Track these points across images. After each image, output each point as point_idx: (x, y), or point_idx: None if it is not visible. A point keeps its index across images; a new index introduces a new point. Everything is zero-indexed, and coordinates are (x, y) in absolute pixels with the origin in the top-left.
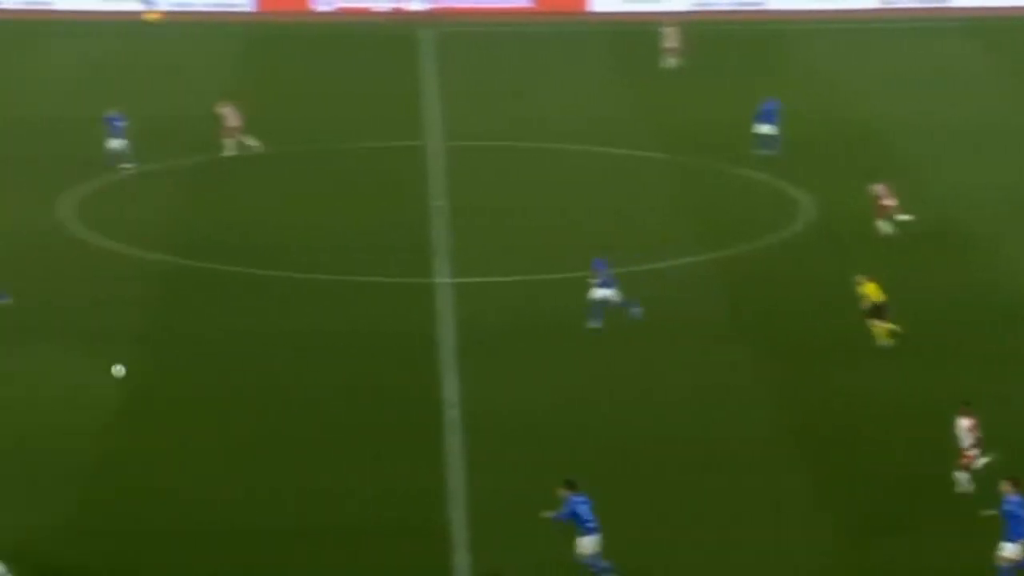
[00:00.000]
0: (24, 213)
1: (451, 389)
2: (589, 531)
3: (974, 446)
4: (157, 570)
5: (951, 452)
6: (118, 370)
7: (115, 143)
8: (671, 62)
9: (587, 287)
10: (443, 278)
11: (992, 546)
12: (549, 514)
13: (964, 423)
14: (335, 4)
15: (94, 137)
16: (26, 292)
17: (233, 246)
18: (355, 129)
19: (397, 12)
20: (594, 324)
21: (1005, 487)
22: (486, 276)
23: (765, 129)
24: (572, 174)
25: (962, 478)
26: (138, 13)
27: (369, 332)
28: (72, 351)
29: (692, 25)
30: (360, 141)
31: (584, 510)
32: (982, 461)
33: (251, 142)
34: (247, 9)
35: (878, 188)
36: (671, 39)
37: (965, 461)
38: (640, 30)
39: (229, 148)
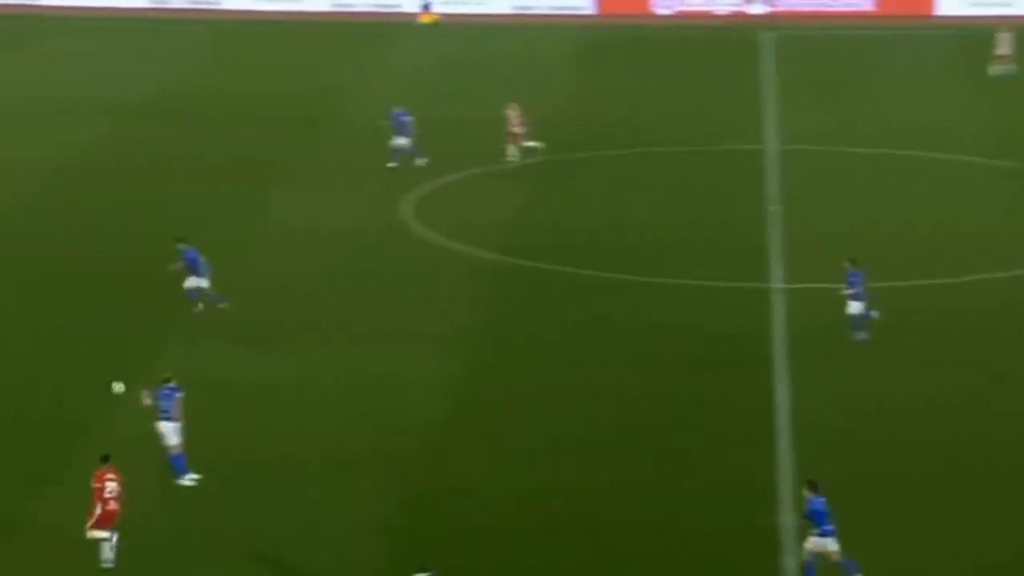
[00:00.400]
0: (368, 213)
1: (783, 393)
2: (825, 534)
3: None
4: (477, 569)
5: None
6: (118, 387)
7: (400, 141)
8: (999, 69)
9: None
10: (777, 283)
11: None
12: (802, 518)
13: None
14: (675, 7)
15: (438, 137)
16: (364, 291)
17: (568, 247)
18: (692, 132)
19: (737, 15)
20: (861, 336)
21: None
22: (820, 282)
23: None
24: (908, 179)
25: None
26: (474, 16)
27: (703, 335)
28: (406, 349)
29: None
30: (697, 144)
31: (822, 512)
32: None
33: (516, 152)
34: (588, 12)
35: None
36: (1004, 45)
37: None
38: (986, 34)
39: (511, 153)
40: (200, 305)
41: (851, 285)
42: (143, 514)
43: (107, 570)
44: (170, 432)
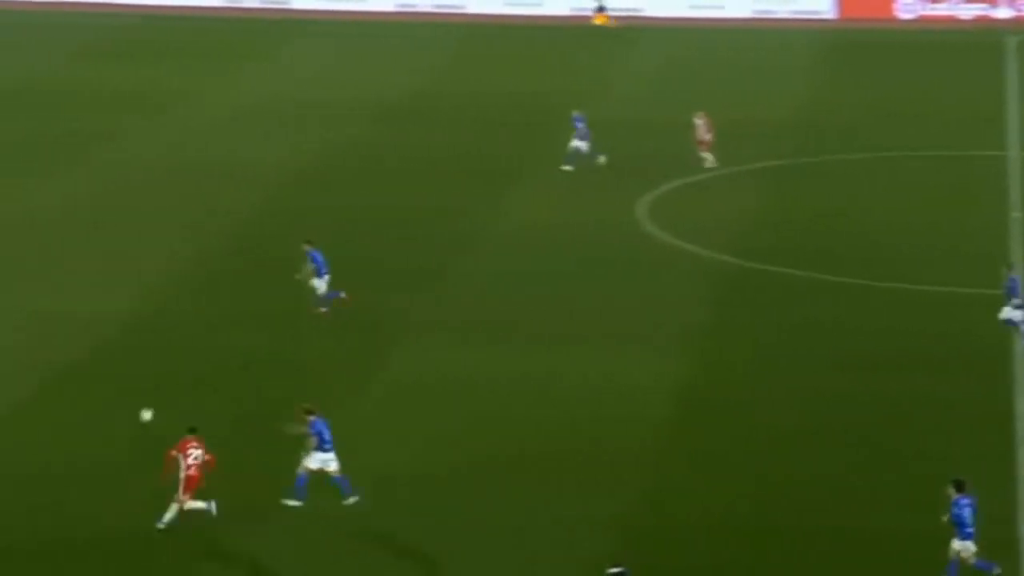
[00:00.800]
0: (605, 211)
1: (1021, 402)
2: (966, 536)
3: None
4: (700, 570)
5: None
6: (145, 415)
7: (576, 144)
8: None
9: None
10: None
11: None
12: (944, 518)
13: None
14: (918, 12)
15: (676, 140)
16: (596, 289)
17: (798, 251)
18: (934, 137)
19: (982, 19)
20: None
21: None
22: None
23: None
24: None
25: None
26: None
27: (937, 339)
28: (634, 346)
29: None
30: (938, 149)
31: (966, 513)
32: None
33: (709, 159)
34: (828, 16)
35: None
36: None
37: None
38: None
39: (708, 161)
40: (324, 309)
41: (1010, 291)
42: (377, 504)
43: (161, 531)
44: (331, 460)
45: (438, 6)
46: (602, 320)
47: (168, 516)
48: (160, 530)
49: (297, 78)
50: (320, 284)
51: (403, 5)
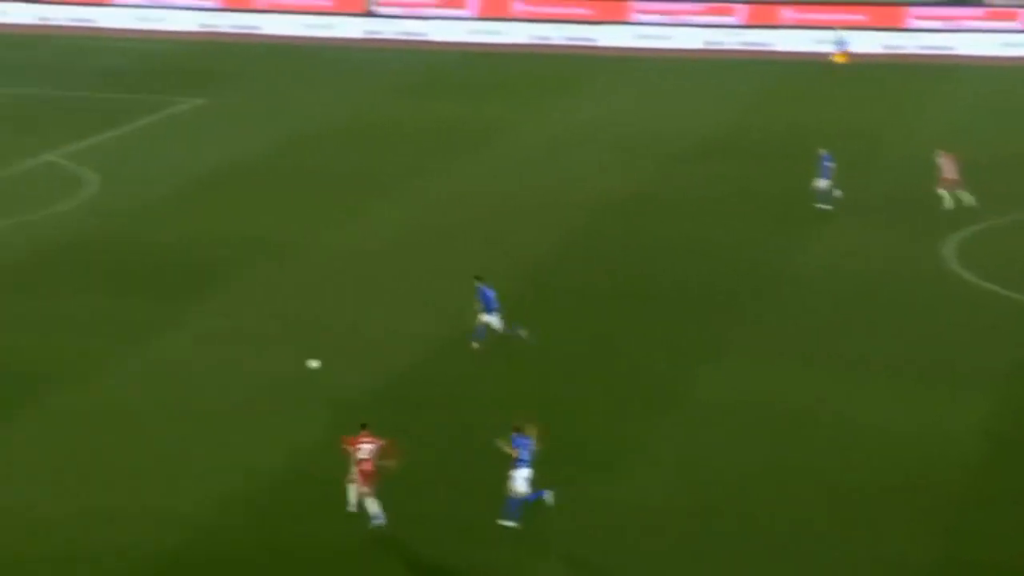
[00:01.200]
0: (911, 250)
1: None
2: None
3: None
4: None
5: None
6: (313, 364)
7: (822, 183)
8: None
9: None
10: None
11: None
12: None
13: None
14: None
15: (985, 180)
16: (901, 327)
17: None
18: None
19: None
20: None
21: None
22: None
23: None
24: None
25: None
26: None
27: None
28: (938, 385)
29: None
30: None
31: None
32: None
33: (966, 197)
34: None
35: None
36: None
37: None
38: None
39: (946, 201)
40: (476, 344)
41: None
42: (653, 530)
43: (378, 527)
44: (523, 479)
45: (745, 44)
46: (908, 358)
47: (353, 499)
48: (351, 512)
49: (604, 113)
50: (491, 320)
51: (710, 43)
